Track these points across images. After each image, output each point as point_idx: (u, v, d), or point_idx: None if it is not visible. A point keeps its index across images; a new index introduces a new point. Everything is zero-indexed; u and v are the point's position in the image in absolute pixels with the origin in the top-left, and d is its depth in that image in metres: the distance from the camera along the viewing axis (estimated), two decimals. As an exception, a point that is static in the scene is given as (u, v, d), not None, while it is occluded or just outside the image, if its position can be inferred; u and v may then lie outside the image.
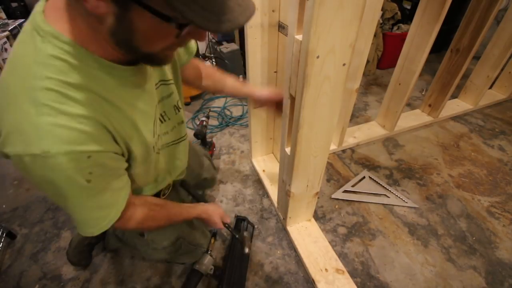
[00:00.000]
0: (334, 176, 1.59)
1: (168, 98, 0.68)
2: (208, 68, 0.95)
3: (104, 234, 1.03)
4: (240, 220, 1.28)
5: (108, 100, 0.47)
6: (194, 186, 1.21)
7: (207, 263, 1.09)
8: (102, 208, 0.51)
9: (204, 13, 0.35)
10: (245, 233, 1.11)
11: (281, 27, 1.12)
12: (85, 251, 1.15)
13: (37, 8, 0.44)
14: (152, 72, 0.58)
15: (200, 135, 1.54)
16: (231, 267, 1.12)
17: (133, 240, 0.92)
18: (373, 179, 1.55)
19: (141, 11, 0.36)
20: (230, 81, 0.97)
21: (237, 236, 1.10)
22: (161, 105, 0.65)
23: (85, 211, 0.50)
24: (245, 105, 2.20)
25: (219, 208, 0.99)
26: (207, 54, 2.40)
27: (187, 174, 1.00)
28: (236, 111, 2.15)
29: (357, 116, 2.08)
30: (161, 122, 0.68)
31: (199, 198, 1.15)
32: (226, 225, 1.02)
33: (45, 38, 0.41)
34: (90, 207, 0.50)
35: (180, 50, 0.73)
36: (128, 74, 0.50)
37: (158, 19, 0.37)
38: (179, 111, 0.74)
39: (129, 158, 0.55)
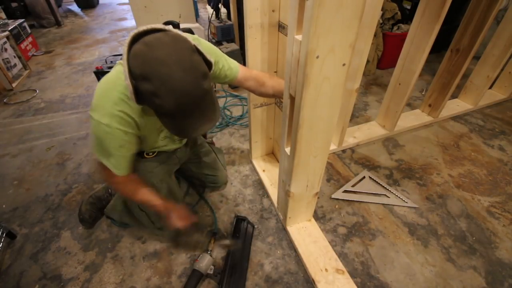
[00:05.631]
0: (334, 176, 1.59)
1: None
2: (265, 77, 1.09)
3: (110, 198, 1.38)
4: (240, 220, 1.28)
5: (144, 114, 0.87)
6: (203, 182, 1.48)
7: (207, 263, 1.10)
8: (114, 163, 0.90)
9: (170, 128, 0.79)
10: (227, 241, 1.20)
11: (281, 27, 1.12)
12: (95, 212, 1.34)
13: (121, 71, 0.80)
14: None
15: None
16: (231, 267, 1.12)
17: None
18: (373, 179, 1.55)
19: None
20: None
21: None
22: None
23: (109, 159, 0.89)
24: (245, 105, 2.20)
25: (182, 210, 1.07)
26: (207, 54, 2.39)
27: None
28: (236, 111, 2.15)
29: (357, 116, 2.08)
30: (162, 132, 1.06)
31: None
32: (194, 225, 1.09)
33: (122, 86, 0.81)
34: (113, 157, 0.89)
35: (225, 71, 1.01)
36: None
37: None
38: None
39: (144, 140, 1.00)
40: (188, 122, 0.73)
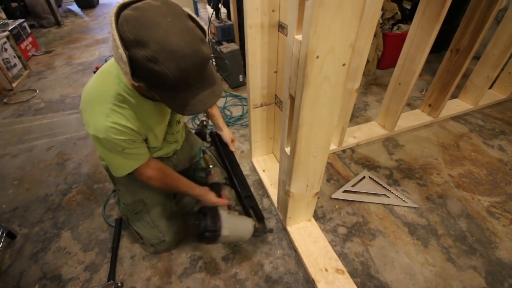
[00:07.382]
0: (334, 176, 1.59)
1: (175, 115, 1.10)
2: None
3: None
4: (214, 136, 1.39)
5: (139, 114, 0.87)
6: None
7: (220, 174, 1.24)
8: (128, 161, 0.91)
9: (175, 104, 0.73)
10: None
11: (281, 27, 1.12)
12: None
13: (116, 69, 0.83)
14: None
15: (201, 135, 1.54)
16: (231, 170, 1.28)
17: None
18: (373, 179, 1.55)
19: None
20: (215, 111, 1.32)
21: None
22: (171, 117, 1.08)
23: (118, 162, 0.90)
24: (245, 105, 2.20)
25: (213, 196, 1.12)
26: (207, 54, 2.38)
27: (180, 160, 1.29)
28: (236, 111, 2.15)
29: (357, 116, 2.08)
30: (170, 126, 1.09)
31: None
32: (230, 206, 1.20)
33: (121, 82, 0.82)
34: (121, 160, 0.90)
35: None
36: (154, 103, 0.91)
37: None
38: (179, 123, 1.15)
39: (146, 140, 0.98)
40: (192, 93, 0.70)
